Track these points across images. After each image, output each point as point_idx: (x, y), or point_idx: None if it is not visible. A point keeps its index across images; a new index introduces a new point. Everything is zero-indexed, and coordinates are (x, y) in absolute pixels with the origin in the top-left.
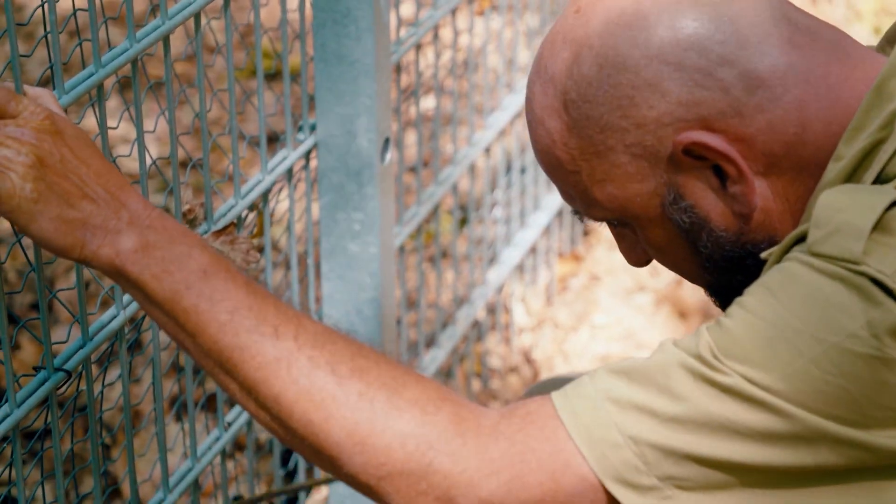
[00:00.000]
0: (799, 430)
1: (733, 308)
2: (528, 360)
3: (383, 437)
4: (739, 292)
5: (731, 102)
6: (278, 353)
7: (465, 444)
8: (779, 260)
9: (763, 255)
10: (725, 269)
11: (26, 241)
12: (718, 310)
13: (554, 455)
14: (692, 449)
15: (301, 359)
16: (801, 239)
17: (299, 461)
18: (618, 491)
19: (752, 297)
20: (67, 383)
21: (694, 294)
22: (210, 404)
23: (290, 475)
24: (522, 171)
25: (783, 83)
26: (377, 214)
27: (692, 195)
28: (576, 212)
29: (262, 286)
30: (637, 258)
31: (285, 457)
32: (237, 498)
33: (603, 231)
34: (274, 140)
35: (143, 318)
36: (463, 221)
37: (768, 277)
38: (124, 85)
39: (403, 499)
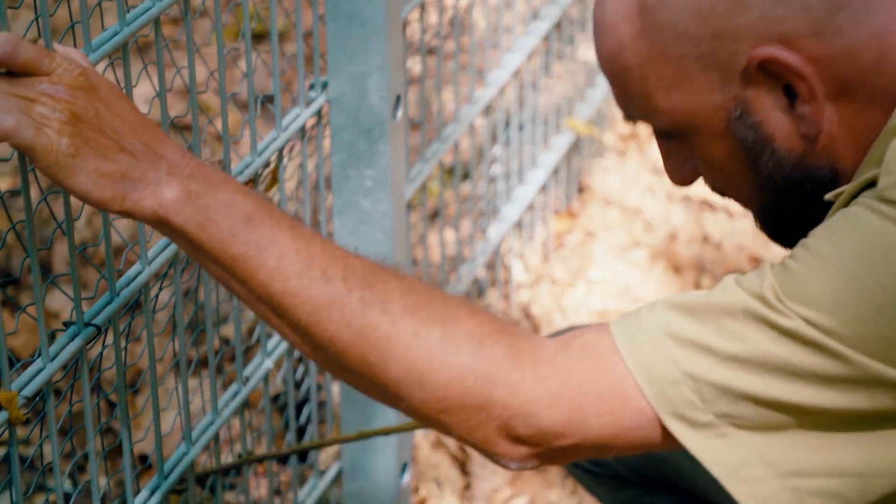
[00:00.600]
0: (857, 375)
1: (798, 250)
2: (528, 315)
3: (441, 373)
4: (791, 220)
5: (812, 22)
6: (329, 296)
7: (524, 377)
8: (846, 204)
9: (828, 196)
10: (782, 192)
11: (51, 199)
12: (713, 265)
13: (613, 389)
14: (749, 389)
15: (352, 300)
16: (871, 185)
17: (312, 414)
18: (674, 426)
19: (818, 241)
20: (96, 338)
21: (688, 249)
22: (225, 360)
23: (302, 430)
24: (520, 128)
25: (866, 8)
26: (388, 171)
27: (760, 112)
28: (629, 116)
29: (307, 227)
30: (683, 176)
31: (298, 412)
32: (248, 454)
33: (597, 187)
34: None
35: (164, 275)
36: (465, 177)
37: (835, 221)
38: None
39: (464, 430)
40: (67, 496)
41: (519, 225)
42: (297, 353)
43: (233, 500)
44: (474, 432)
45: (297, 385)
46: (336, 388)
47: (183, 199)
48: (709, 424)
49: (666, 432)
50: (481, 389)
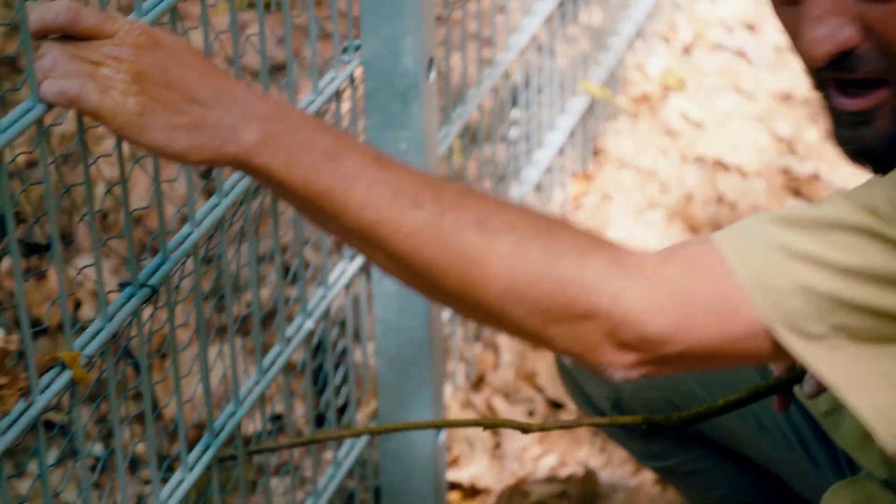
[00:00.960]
0: None
1: None
2: None
3: (543, 286)
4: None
5: None
6: (423, 221)
7: (628, 286)
8: None
9: None
10: None
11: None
12: (729, 224)
13: (722, 300)
14: (864, 300)
15: (446, 222)
16: None
17: (350, 373)
18: (787, 338)
19: None
20: (150, 299)
21: (703, 210)
22: (266, 323)
23: (338, 390)
24: (539, 90)
25: None
26: (422, 133)
27: None
28: None
29: (392, 157)
30: (837, 41)
31: (333, 372)
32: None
33: (611, 150)
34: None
35: (210, 237)
36: (487, 138)
37: None
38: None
39: (569, 340)
40: (97, 459)
41: (538, 187)
42: (333, 314)
43: (274, 461)
44: (580, 342)
45: (333, 346)
46: (371, 348)
47: (263, 142)
48: (823, 336)
49: (776, 344)
50: (585, 299)
